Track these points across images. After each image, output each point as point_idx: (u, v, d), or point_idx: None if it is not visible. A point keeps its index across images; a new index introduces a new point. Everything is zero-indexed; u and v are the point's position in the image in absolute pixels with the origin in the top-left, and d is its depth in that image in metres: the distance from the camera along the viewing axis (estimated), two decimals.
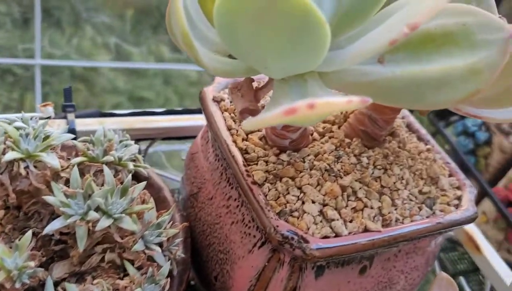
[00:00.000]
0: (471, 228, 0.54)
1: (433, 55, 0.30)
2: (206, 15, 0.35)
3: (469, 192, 0.41)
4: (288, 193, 0.35)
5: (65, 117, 0.47)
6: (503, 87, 0.33)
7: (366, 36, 0.28)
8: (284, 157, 0.38)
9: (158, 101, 1.65)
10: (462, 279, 0.66)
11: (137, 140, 0.53)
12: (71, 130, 0.46)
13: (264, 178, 0.36)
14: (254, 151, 0.38)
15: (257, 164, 0.37)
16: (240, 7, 0.25)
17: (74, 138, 0.47)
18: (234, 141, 0.38)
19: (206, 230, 0.41)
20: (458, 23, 0.30)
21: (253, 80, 0.34)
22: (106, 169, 0.35)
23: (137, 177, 0.44)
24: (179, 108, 0.53)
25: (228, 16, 0.27)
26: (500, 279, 0.48)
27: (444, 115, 0.91)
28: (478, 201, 0.87)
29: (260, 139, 0.39)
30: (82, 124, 0.47)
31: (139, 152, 0.55)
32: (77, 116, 0.47)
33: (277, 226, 0.33)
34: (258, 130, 0.40)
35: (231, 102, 0.42)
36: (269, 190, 0.35)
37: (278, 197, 0.35)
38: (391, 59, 0.31)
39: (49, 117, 0.46)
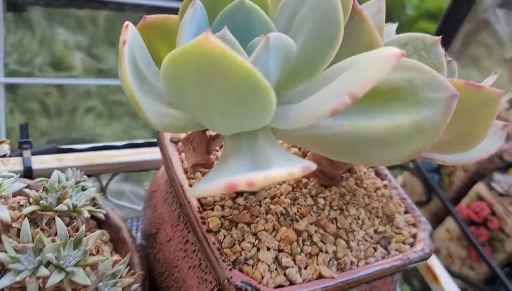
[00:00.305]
0: (430, 259, 0.55)
1: (380, 110, 0.31)
2: (158, 63, 0.35)
3: (424, 230, 0.42)
4: (244, 240, 0.36)
5: (21, 155, 0.46)
6: (453, 135, 0.34)
7: (313, 97, 0.28)
8: (240, 200, 0.38)
9: None
10: None
11: (98, 175, 0.53)
12: (27, 169, 0.45)
13: (220, 224, 0.36)
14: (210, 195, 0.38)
15: (213, 209, 0.37)
16: (185, 70, 0.25)
17: (30, 177, 0.46)
18: (191, 186, 0.38)
19: (165, 272, 0.41)
20: (404, 79, 0.30)
21: (205, 131, 0.34)
22: (58, 220, 0.34)
23: (95, 217, 0.43)
24: (140, 141, 0.53)
25: (174, 78, 0.27)
26: None
27: None
28: (442, 218, 0.89)
29: None
30: (39, 162, 0.46)
31: (101, 187, 0.55)
32: (33, 153, 0.47)
33: (231, 277, 0.33)
34: None
35: None
36: (225, 236, 0.36)
37: (234, 244, 0.35)
38: (343, 111, 0.32)
39: (4, 155, 0.46)
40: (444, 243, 0.85)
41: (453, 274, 0.83)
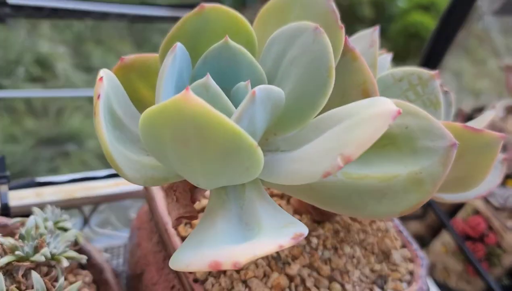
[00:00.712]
0: None
1: (376, 158, 0.29)
2: (138, 103, 0.33)
3: (421, 265, 0.40)
4: (233, 288, 0.34)
5: None
6: (452, 178, 0.32)
7: (304, 151, 0.26)
8: None
9: None
10: None
11: (80, 206, 0.50)
12: (4, 206, 0.43)
13: (208, 271, 0.34)
14: None
15: None
16: (164, 129, 0.23)
17: (8, 214, 0.44)
18: (176, 229, 0.36)
19: None
20: (400, 125, 0.29)
21: None
22: (34, 274, 0.32)
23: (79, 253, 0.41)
24: None
25: (153, 135, 0.25)
26: None
27: None
28: (437, 231, 0.87)
29: None
30: (16, 197, 0.44)
31: (84, 217, 0.53)
32: (11, 188, 0.44)
33: None
34: (202, 212, 0.38)
35: None
36: (213, 285, 0.34)
37: None
38: None
39: None
40: (440, 256, 0.83)
41: (450, 289, 0.81)
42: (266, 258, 0.36)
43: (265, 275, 0.35)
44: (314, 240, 0.38)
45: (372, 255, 0.40)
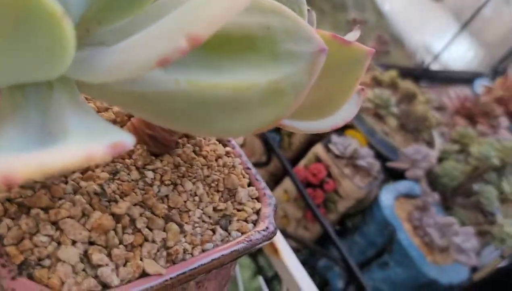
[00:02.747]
0: None
1: (230, 63, 0.23)
2: None
3: (269, 204, 0.37)
4: (38, 232, 0.26)
5: None
6: (310, 99, 0.28)
7: (134, 37, 0.19)
8: None
9: None
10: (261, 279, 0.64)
11: None
12: None
13: (3, 211, 0.26)
14: None
15: None
16: None
17: None
18: None
19: None
20: (261, 25, 0.23)
21: None
22: None
23: None
24: None
25: None
26: (297, 285, 0.46)
27: None
28: (280, 179, 0.88)
29: None
30: None
31: None
32: None
33: (14, 289, 0.23)
34: None
35: None
36: (9, 229, 0.25)
37: (22, 239, 0.25)
38: (179, 61, 0.23)
39: None
40: (281, 203, 0.84)
41: (287, 235, 0.82)
42: (87, 194, 0.28)
43: (84, 215, 0.27)
44: (150, 174, 0.32)
45: (217, 193, 0.35)
